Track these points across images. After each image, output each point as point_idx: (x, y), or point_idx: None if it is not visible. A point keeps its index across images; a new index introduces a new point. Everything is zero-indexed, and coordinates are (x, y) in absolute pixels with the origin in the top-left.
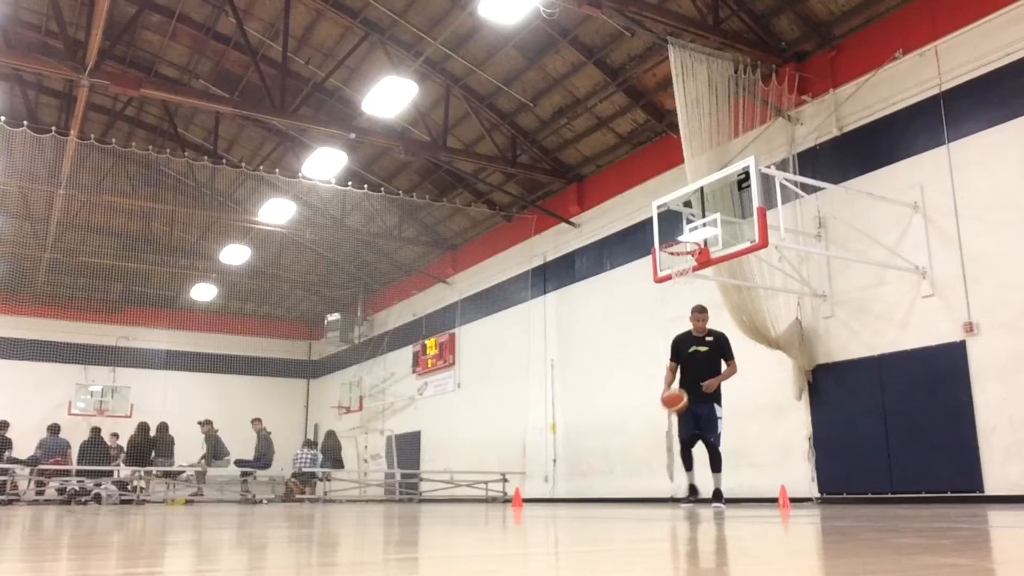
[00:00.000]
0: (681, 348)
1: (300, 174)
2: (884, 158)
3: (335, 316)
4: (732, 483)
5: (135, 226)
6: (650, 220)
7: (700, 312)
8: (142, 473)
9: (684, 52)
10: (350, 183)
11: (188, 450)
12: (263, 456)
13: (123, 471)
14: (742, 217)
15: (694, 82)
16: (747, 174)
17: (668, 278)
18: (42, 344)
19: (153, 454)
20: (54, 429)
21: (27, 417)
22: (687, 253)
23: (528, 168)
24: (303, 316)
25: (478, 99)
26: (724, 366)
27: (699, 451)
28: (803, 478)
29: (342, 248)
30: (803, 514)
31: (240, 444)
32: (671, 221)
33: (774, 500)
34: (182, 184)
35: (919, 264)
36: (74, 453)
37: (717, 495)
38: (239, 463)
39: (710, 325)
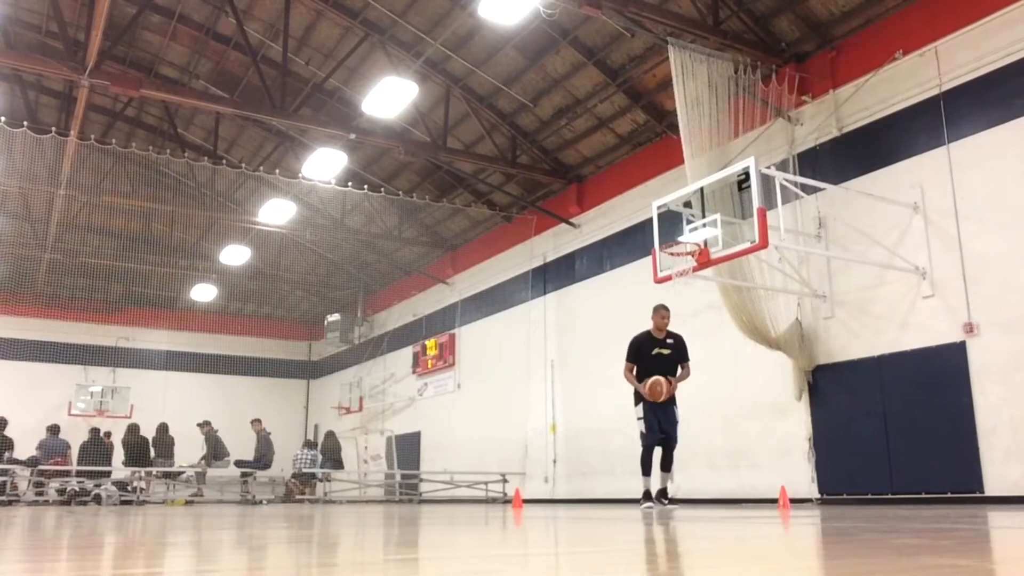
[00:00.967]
0: (643, 350)
1: (300, 175)
2: (884, 158)
3: (335, 317)
4: (732, 483)
5: (135, 227)
6: (650, 221)
7: (665, 310)
8: (142, 474)
9: (684, 53)
10: (350, 184)
11: (188, 451)
12: (263, 457)
13: (123, 472)
14: (742, 217)
15: (694, 82)
16: (747, 174)
17: (668, 279)
18: (42, 344)
19: (153, 454)
20: (54, 430)
21: (27, 417)
22: (687, 254)
23: (528, 168)
24: (303, 317)
25: (478, 99)
26: (680, 369)
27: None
28: (803, 478)
29: (342, 249)
30: (803, 514)
31: (240, 445)
32: (671, 222)
33: (774, 500)
34: (182, 185)
35: (919, 264)
36: (74, 454)
37: (663, 493)
38: (239, 464)
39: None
